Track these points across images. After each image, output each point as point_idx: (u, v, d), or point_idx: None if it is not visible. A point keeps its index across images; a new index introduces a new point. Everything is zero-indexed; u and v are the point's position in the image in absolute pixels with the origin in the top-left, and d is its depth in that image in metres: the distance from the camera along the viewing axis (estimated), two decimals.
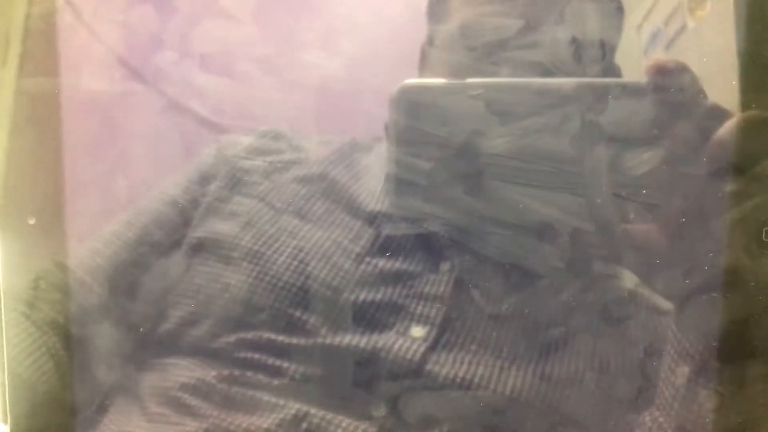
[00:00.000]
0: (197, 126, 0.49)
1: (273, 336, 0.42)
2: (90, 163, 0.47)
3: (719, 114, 0.35)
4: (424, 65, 0.47)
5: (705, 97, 0.35)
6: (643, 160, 0.37)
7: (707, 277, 0.35)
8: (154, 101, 0.48)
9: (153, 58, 0.49)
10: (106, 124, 0.48)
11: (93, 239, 0.47)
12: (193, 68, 0.48)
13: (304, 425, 0.39)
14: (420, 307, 0.42)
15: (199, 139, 0.50)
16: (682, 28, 0.41)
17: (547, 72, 0.40)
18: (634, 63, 0.45)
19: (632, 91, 0.37)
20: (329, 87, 0.46)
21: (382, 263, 0.43)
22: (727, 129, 0.34)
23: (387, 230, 0.44)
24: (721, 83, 0.36)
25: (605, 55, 0.40)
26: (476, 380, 0.40)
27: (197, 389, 0.42)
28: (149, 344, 0.45)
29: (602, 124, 0.37)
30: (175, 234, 0.47)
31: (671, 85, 0.35)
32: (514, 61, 0.41)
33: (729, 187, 0.34)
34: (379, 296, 0.42)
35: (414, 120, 0.40)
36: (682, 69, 0.35)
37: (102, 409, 0.44)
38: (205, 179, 0.49)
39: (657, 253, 0.37)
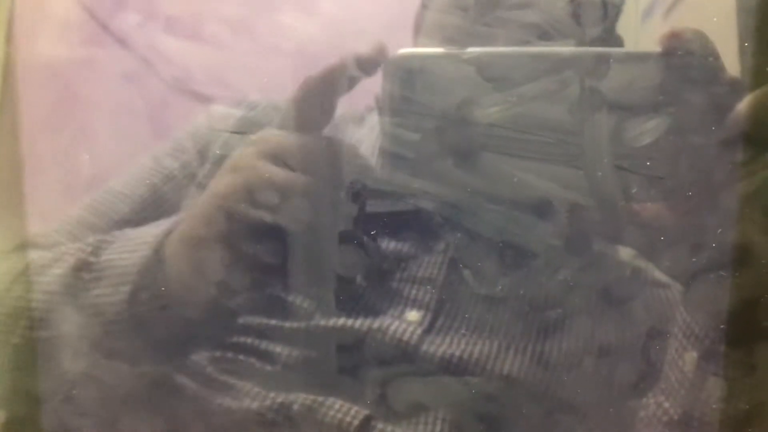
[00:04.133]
0: (163, 94, 0.47)
1: (264, 319, 0.41)
2: (49, 134, 0.45)
3: (737, 86, 0.33)
4: (418, 29, 0.48)
5: (723, 67, 0.34)
6: (647, 130, 0.35)
7: (716, 254, 0.34)
8: (116, 67, 0.46)
9: (115, 20, 0.46)
10: (65, 92, 0.46)
11: (81, 209, 0.45)
12: (158, 31, 0.46)
13: (296, 408, 0.38)
14: (414, 291, 0.42)
15: (165, 108, 0.48)
16: None
17: (544, 33, 0.39)
18: (631, 31, 0.43)
19: (635, 56, 0.36)
20: (307, 50, 0.44)
21: None
22: (749, 103, 0.32)
23: (379, 207, 0.42)
24: (719, 51, 0.34)
25: (607, 14, 0.38)
26: (472, 364, 0.39)
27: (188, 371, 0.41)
28: None
29: (603, 91, 0.35)
30: (170, 211, 0.46)
31: (689, 53, 0.34)
32: (509, 22, 0.40)
33: (741, 159, 0.33)
34: None
35: (409, 91, 0.37)
36: (702, 37, 0.34)
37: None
38: (200, 154, 0.47)
39: (664, 230, 0.36)
